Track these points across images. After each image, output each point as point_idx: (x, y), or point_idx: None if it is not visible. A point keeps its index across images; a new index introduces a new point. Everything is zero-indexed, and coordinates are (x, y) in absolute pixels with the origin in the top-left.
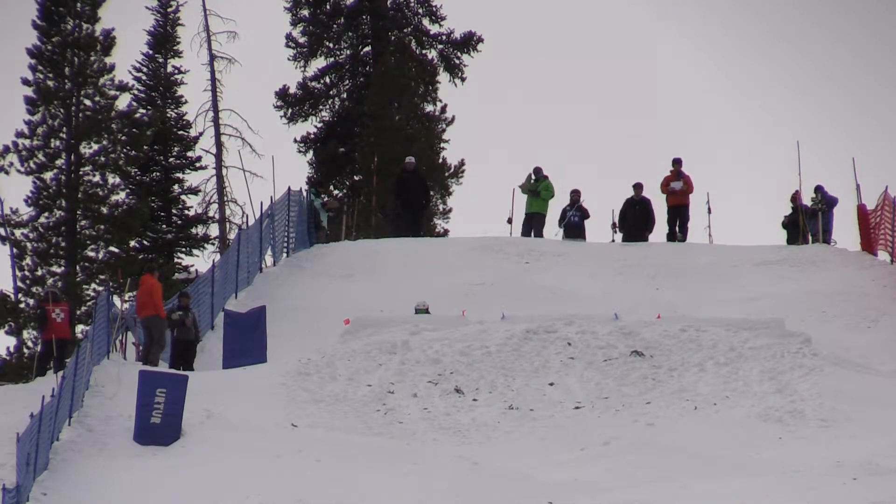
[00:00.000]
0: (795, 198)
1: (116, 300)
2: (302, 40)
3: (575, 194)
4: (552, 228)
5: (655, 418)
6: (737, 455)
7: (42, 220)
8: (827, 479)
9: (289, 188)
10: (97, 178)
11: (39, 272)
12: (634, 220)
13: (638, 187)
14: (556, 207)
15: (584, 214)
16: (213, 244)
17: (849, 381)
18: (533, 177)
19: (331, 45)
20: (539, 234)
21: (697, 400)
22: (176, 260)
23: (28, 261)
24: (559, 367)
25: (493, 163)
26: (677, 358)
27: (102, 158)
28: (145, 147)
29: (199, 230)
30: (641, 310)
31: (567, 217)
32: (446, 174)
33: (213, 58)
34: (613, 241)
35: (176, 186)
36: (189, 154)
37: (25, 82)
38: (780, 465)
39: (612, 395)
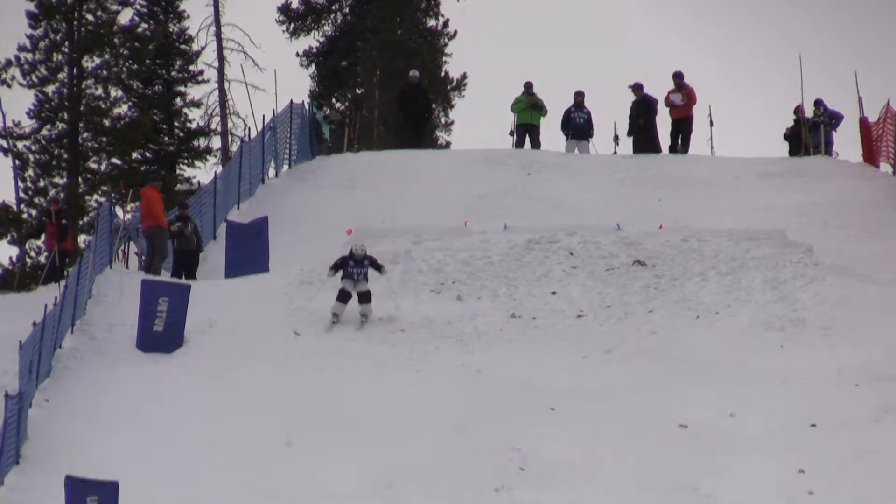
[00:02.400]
0: (798, 110)
1: (118, 211)
2: None
3: (578, 96)
4: (550, 138)
5: (657, 327)
6: (738, 363)
7: (44, 132)
8: (828, 387)
9: (291, 101)
10: (99, 92)
11: (42, 183)
12: (641, 117)
13: (637, 88)
14: (556, 115)
15: (589, 116)
16: (215, 156)
17: (850, 290)
18: (527, 92)
19: None
20: (536, 146)
21: (699, 309)
22: (178, 172)
23: (30, 172)
24: (561, 276)
25: (495, 77)
26: (679, 268)
27: (104, 72)
28: (147, 61)
29: (201, 143)
30: (643, 221)
31: (572, 118)
32: (449, 87)
33: None
34: (615, 153)
35: (178, 99)
36: (191, 68)
37: None
38: (781, 372)
39: (615, 304)
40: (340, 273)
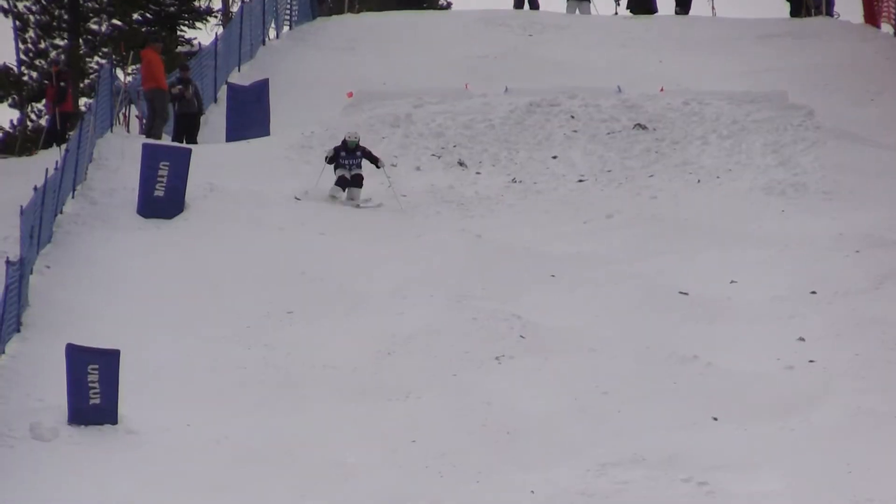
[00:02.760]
0: None
1: (119, 73)
2: None
3: None
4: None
5: (658, 191)
6: (739, 228)
7: None
8: (829, 252)
9: None
10: None
11: (42, 45)
12: None
13: None
14: None
15: None
16: (215, 17)
17: (851, 154)
18: None
19: None
20: (535, 7)
21: (700, 173)
22: (178, 33)
23: (31, 34)
24: (562, 140)
25: None
26: (680, 131)
27: None
28: None
29: (202, 3)
30: (645, 83)
31: None
32: None
33: None
34: (616, 13)
35: None
36: None
37: None
38: (782, 237)
39: (615, 169)
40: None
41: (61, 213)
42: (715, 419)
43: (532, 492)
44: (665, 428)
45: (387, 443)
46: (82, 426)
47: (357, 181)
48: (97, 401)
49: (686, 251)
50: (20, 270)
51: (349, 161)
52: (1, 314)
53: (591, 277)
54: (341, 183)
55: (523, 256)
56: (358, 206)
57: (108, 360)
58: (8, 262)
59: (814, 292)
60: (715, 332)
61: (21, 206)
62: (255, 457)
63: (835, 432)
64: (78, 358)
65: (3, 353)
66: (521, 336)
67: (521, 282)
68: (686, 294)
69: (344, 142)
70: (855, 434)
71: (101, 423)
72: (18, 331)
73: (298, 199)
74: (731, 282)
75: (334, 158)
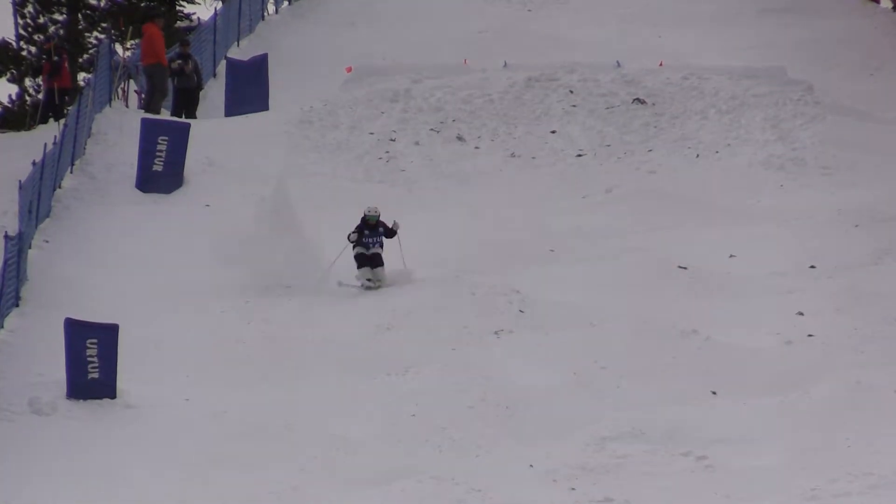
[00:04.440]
0: None
1: (118, 49)
2: None
3: None
4: None
5: (657, 166)
6: (738, 203)
7: None
8: (828, 227)
9: None
10: None
11: (41, 20)
12: None
13: None
14: None
15: None
16: None
17: (850, 129)
18: None
19: None
20: None
21: (699, 148)
22: (178, 8)
23: (30, 8)
24: (561, 114)
25: None
26: (679, 106)
27: None
28: None
29: None
30: (644, 58)
31: None
32: None
33: None
34: None
35: None
36: None
37: None
38: (781, 212)
39: (614, 143)
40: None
41: (60, 187)
42: (714, 393)
43: (531, 466)
44: (664, 402)
45: (386, 417)
46: (81, 400)
47: (378, 260)
48: (96, 375)
49: (685, 226)
50: (19, 245)
51: (372, 240)
52: (0, 289)
53: (590, 252)
54: (364, 262)
55: (522, 231)
56: (380, 286)
57: (107, 335)
58: (6, 237)
59: (813, 267)
60: (714, 306)
61: (19, 181)
62: (254, 431)
63: (834, 406)
64: (77, 332)
65: (2, 327)
66: (521, 311)
67: (520, 256)
68: (685, 269)
69: (364, 219)
70: (854, 408)
71: (99, 398)
72: (17, 305)
73: (341, 285)
74: (731, 256)
75: (359, 240)
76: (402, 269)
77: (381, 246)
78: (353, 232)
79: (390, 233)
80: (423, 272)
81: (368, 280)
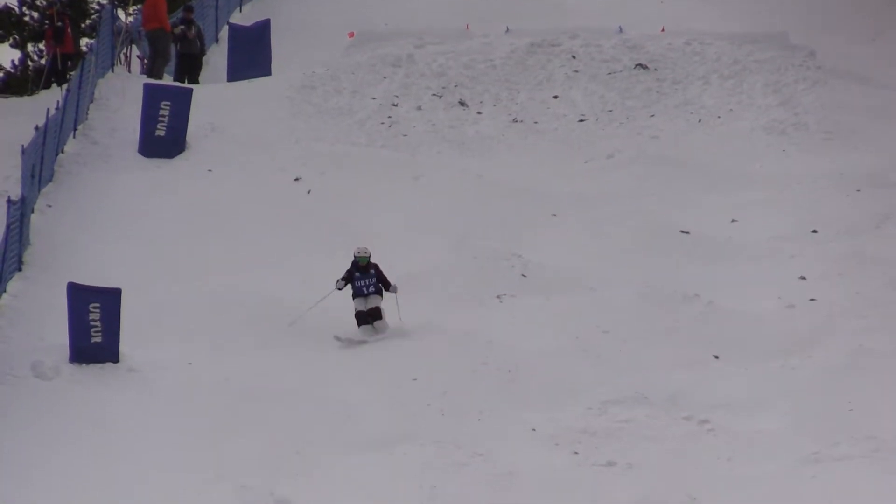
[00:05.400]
0: None
1: (121, 14)
2: None
3: None
4: None
5: (659, 131)
6: (740, 167)
7: None
8: (830, 191)
9: None
10: None
11: None
12: None
13: None
14: None
15: None
16: None
17: (853, 94)
18: None
19: None
20: None
21: (702, 113)
22: None
23: None
24: (563, 80)
25: None
26: (681, 71)
27: None
28: None
29: None
30: (646, 23)
31: None
32: None
33: None
34: None
35: None
36: None
37: None
38: (783, 177)
39: (616, 109)
40: (351, 290)
41: (62, 152)
42: (716, 357)
43: (533, 430)
44: (666, 367)
45: (388, 381)
46: (83, 365)
47: (377, 314)
48: (98, 339)
49: (687, 191)
50: (21, 209)
51: (364, 282)
52: (2, 253)
53: (593, 217)
54: (363, 320)
55: (524, 196)
56: (380, 336)
57: (110, 299)
58: (9, 202)
59: (815, 231)
60: (716, 271)
61: (22, 146)
62: (256, 396)
63: (836, 371)
64: (79, 296)
65: (5, 291)
66: (523, 275)
67: (522, 221)
68: (687, 233)
69: (354, 262)
70: (856, 372)
71: (102, 362)
72: (20, 270)
73: (339, 340)
74: (732, 221)
75: (349, 280)
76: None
77: (376, 289)
78: (342, 279)
79: (386, 283)
80: (424, 236)
81: (367, 336)
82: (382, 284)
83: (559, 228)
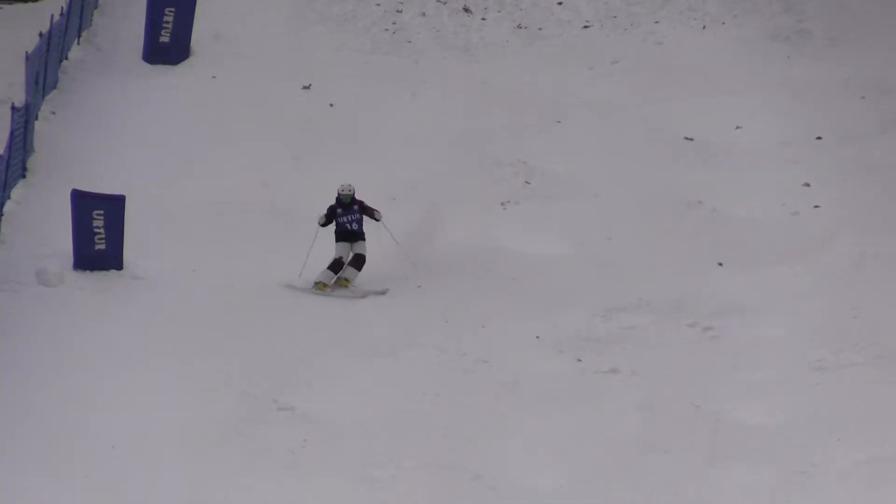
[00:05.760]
0: None
1: None
2: None
3: None
4: None
5: (664, 38)
6: (744, 74)
7: None
8: (835, 98)
9: None
10: None
11: None
12: None
13: None
14: None
15: None
16: None
17: (856, 1)
18: None
19: None
20: None
21: (706, 19)
22: None
23: None
24: None
25: None
26: None
27: None
28: None
29: None
30: None
31: None
32: None
33: None
34: None
35: None
36: None
37: None
38: (787, 83)
39: (621, 14)
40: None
41: (66, 59)
42: (720, 264)
43: (537, 337)
44: (670, 273)
45: (392, 290)
46: (87, 272)
47: (357, 261)
48: (102, 246)
49: (691, 97)
50: (25, 116)
51: (347, 217)
52: (6, 160)
53: (597, 123)
54: (334, 267)
55: (528, 102)
56: (358, 295)
57: (114, 206)
58: (13, 108)
59: (819, 138)
60: (720, 177)
61: (27, 53)
62: (259, 300)
63: (839, 277)
64: (83, 203)
65: (9, 198)
66: (527, 181)
67: (527, 127)
68: (691, 140)
69: (338, 198)
70: (859, 278)
71: (106, 269)
72: (24, 177)
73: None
74: (737, 127)
75: (330, 218)
76: (397, 248)
77: (359, 224)
78: (323, 215)
79: (370, 213)
80: (428, 142)
81: (319, 286)
82: (368, 215)
83: (563, 135)
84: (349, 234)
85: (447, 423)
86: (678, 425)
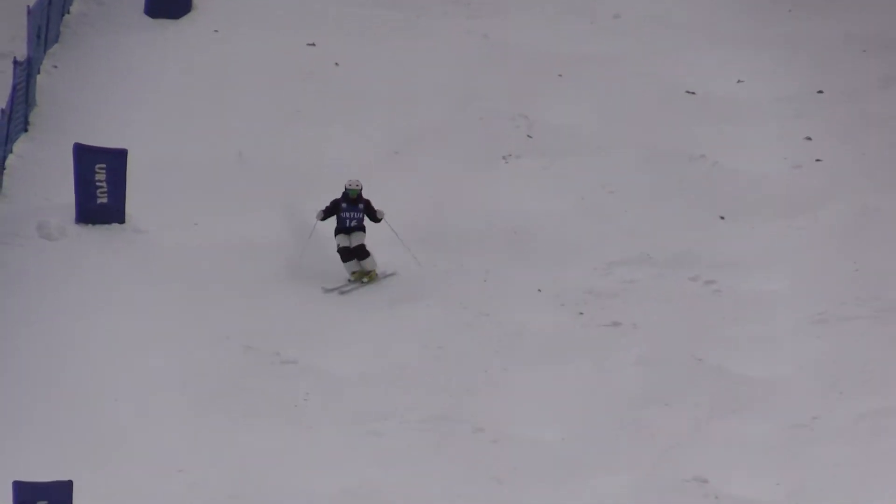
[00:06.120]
0: None
1: None
2: None
3: None
4: None
5: None
6: (746, 27)
7: None
8: (836, 52)
9: None
10: None
11: None
12: None
13: None
14: None
15: None
16: None
17: None
18: None
19: None
20: None
21: None
22: None
23: None
24: None
25: None
26: None
27: None
28: None
29: None
30: None
31: None
32: None
33: None
34: None
35: None
36: None
37: None
38: (789, 37)
39: None
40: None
41: (68, 13)
42: (722, 218)
43: (539, 290)
44: (672, 227)
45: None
46: (90, 225)
47: (362, 252)
48: (104, 200)
49: (693, 51)
50: (27, 70)
51: (350, 214)
52: (9, 114)
53: (598, 77)
54: (347, 256)
55: (530, 56)
56: (365, 281)
57: (116, 159)
58: (15, 62)
59: (821, 92)
60: (722, 131)
61: (28, 6)
62: (261, 255)
63: (841, 231)
64: (85, 157)
65: (11, 152)
66: (528, 136)
67: (528, 81)
68: (693, 94)
69: (344, 192)
70: (861, 232)
71: (108, 223)
72: (26, 130)
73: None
74: (738, 81)
75: (330, 213)
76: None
77: (359, 222)
78: (322, 210)
79: (373, 214)
80: (429, 97)
81: (354, 275)
82: (370, 216)
83: (565, 88)
84: (347, 230)
85: (449, 377)
86: (679, 378)
